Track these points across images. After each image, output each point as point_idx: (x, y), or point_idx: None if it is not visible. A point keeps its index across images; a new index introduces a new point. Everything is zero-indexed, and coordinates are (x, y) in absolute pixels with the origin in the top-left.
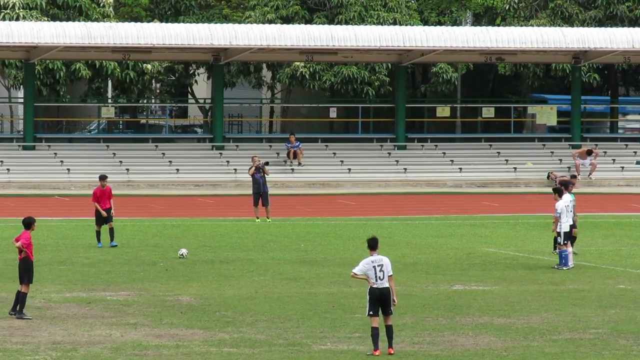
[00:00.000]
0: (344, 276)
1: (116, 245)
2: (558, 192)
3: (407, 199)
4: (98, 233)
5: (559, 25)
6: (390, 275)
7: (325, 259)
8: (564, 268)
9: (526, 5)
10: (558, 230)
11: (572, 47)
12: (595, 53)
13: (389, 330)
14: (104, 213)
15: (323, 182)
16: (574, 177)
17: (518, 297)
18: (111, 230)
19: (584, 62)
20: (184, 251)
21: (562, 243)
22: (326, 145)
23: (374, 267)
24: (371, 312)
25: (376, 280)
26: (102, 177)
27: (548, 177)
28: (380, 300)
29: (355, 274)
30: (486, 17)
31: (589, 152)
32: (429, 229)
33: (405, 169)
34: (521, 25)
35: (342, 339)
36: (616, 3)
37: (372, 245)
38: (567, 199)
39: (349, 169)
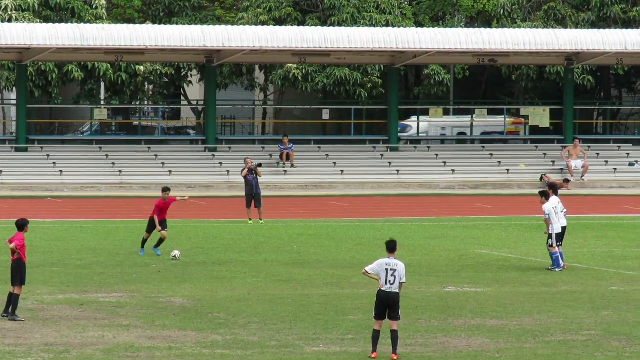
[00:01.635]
0: (336, 278)
1: (159, 255)
2: (544, 195)
3: (400, 200)
4: (144, 241)
5: (552, 27)
6: (402, 283)
7: (318, 261)
8: (557, 270)
9: (519, 7)
10: (550, 232)
11: (565, 48)
12: (588, 55)
13: (394, 335)
14: (159, 228)
15: (316, 183)
16: (566, 181)
17: (511, 298)
18: (161, 240)
19: (576, 63)
20: (176, 253)
21: (553, 245)
22: (319, 147)
23: (387, 269)
24: (376, 316)
25: (385, 284)
26: (165, 189)
27: (541, 179)
28: (387, 305)
29: (367, 272)
30: (479, 20)
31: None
32: (421, 231)
33: (398, 170)
34: (514, 27)
35: (334, 341)
36: (610, 5)
37: (390, 247)
38: (554, 201)
39: (342, 171)
